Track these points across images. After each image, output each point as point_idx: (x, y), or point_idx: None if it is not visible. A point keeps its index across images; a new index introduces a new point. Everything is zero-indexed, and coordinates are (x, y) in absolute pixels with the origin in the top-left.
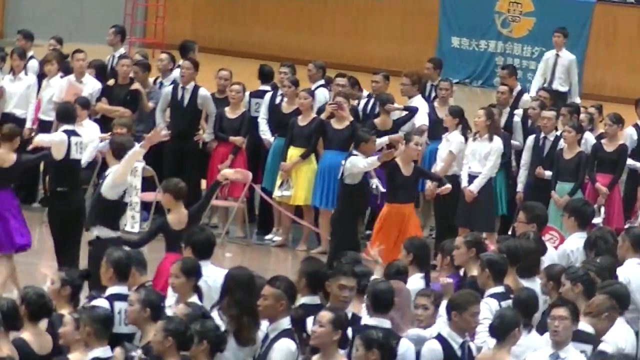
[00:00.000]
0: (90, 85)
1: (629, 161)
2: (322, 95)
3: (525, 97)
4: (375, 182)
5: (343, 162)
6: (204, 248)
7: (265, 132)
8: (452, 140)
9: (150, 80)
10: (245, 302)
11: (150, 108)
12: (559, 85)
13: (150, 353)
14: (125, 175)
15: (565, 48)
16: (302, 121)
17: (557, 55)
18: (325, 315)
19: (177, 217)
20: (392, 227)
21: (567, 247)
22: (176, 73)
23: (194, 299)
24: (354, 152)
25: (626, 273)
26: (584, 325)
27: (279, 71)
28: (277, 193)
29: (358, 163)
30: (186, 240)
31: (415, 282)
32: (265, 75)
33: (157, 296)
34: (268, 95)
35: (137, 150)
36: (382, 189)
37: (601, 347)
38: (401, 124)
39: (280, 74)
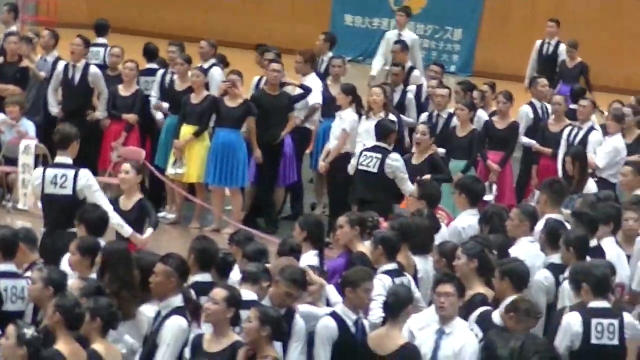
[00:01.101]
0: None
1: (524, 139)
2: (217, 73)
3: (416, 72)
4: None
5: (378, 155)
6: (96, 226)
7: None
8: (345, 118)
9: (39, 56)
10: (125, 276)
11: (42, 77)
12: None
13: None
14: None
15: (407, 27)
16: (194, 99)
17: (400, 34)
18: (219, 292)
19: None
20: None
21: (458, 224)
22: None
23: (93, 277)
24: (382, 144)
25: (519, 252)
26: (495, 315)
27: (167, 50)
28: (170, 170)
29: (407, 183)
30: (79, 217)
31: (309, 259)
32: (150, 53)
33: (60, 274)
34: (159, 73)
35: None
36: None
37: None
38: (294, 101)
39: (169, 53)
